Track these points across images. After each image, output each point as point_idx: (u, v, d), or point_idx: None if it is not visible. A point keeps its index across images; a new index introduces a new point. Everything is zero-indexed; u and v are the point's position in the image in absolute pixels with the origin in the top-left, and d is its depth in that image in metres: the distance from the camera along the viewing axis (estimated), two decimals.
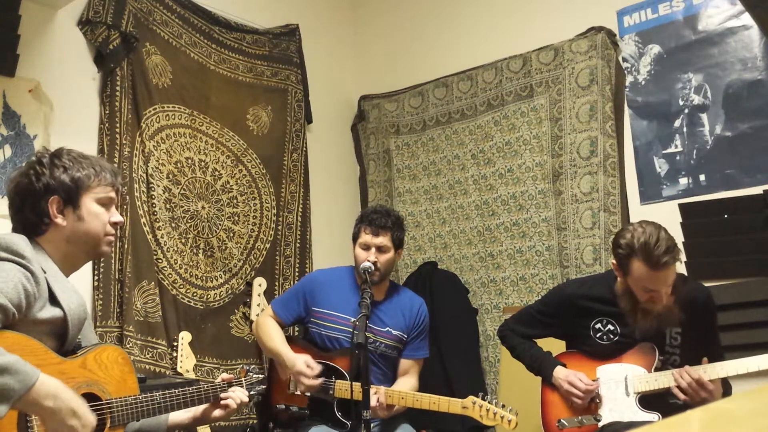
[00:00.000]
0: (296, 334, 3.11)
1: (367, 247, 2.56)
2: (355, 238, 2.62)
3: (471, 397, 2.21)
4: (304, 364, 2.42)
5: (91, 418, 1.46)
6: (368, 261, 2.50)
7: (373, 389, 2.26)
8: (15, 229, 1.66)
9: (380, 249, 2.55)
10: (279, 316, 2.66)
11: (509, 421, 2.13)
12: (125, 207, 2.95)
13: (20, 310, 1.44)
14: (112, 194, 1.72)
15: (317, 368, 2.43)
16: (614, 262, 2.26)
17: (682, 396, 2.15)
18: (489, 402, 2.18)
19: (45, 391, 1.36)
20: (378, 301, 2.59)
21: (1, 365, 1.29)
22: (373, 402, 2.22)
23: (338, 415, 2.40)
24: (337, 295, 2.61)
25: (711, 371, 2.15)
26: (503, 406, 2.17)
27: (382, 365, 2.57)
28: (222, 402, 1.86)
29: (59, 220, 1.62)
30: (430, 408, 2.33)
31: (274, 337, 2.58)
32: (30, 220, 1.63)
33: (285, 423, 2.54)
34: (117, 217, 1.73)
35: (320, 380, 2.43)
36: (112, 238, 1.73)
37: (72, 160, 1.67)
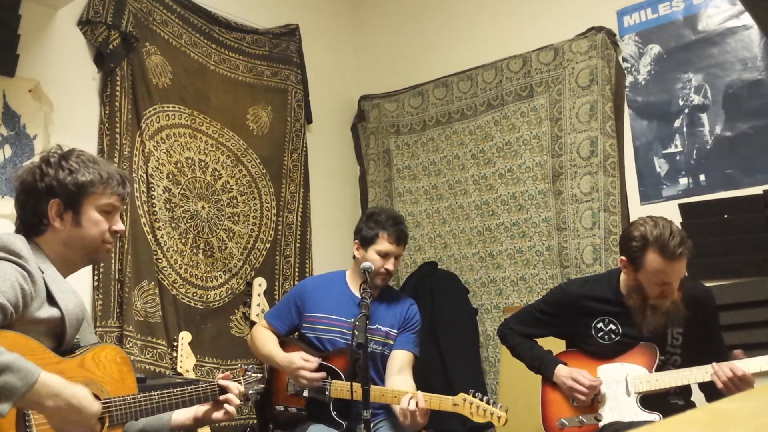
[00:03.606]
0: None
1: (386, 255, 2.55)
2: (370, 242, 2.56)
3: (462, 395, 2.18)
4: (300, 359, 2.43)
5: (93, 409, 1.46)
6: (384, 268, 2.53)
7: (408, 395, 2.23)
8: (17, 226, 1.66)
9: (396, 257, 2.59)
10: (273, 326, 2.66)
11: (498, 418, 2.11)
12: (125, 207, 2.95)
13: (18, 310, 1.44)
14: (116, 202, 1.69)
15: (315, 361, 2.43)
16: (623, 258, 2.24)
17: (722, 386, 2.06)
18: (480, 399, 2.16)
19: (46, 390, 1.36)
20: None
21: (2, 363, 1.29)
22: (411, 406, 2.19)
23: (333, 414, 2.40)
24: (330, 298, 2.60)
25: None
26: (494, 403, 2.15)
27: (371, 364, 2.54)
28: (224, 408, 1.83)
29: (57, 223, 1.62)
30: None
31: (267, 342, 2.60)
32: (30, 219, 1.63)
33: (284, 424, 2.54)
34: (119, 225, 1.71)
35: (321, 374, 2.42)
36: (110, 246, 1.71)
37: (79, 164, 1.65)
